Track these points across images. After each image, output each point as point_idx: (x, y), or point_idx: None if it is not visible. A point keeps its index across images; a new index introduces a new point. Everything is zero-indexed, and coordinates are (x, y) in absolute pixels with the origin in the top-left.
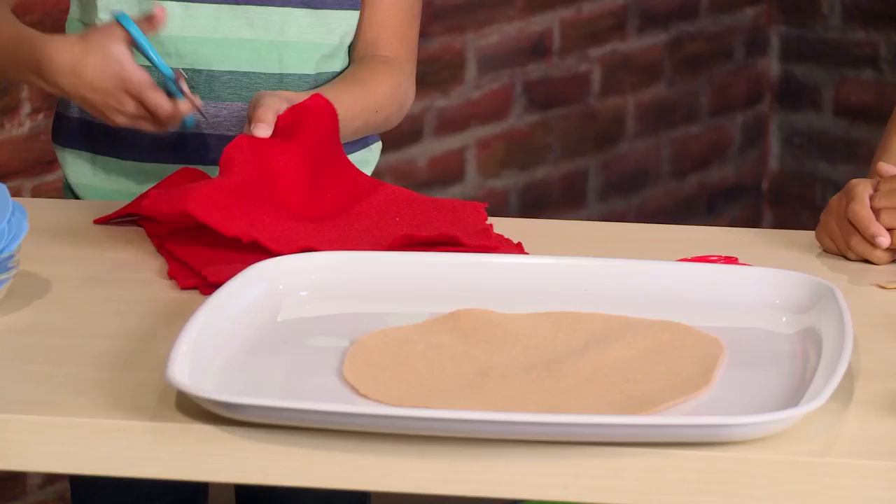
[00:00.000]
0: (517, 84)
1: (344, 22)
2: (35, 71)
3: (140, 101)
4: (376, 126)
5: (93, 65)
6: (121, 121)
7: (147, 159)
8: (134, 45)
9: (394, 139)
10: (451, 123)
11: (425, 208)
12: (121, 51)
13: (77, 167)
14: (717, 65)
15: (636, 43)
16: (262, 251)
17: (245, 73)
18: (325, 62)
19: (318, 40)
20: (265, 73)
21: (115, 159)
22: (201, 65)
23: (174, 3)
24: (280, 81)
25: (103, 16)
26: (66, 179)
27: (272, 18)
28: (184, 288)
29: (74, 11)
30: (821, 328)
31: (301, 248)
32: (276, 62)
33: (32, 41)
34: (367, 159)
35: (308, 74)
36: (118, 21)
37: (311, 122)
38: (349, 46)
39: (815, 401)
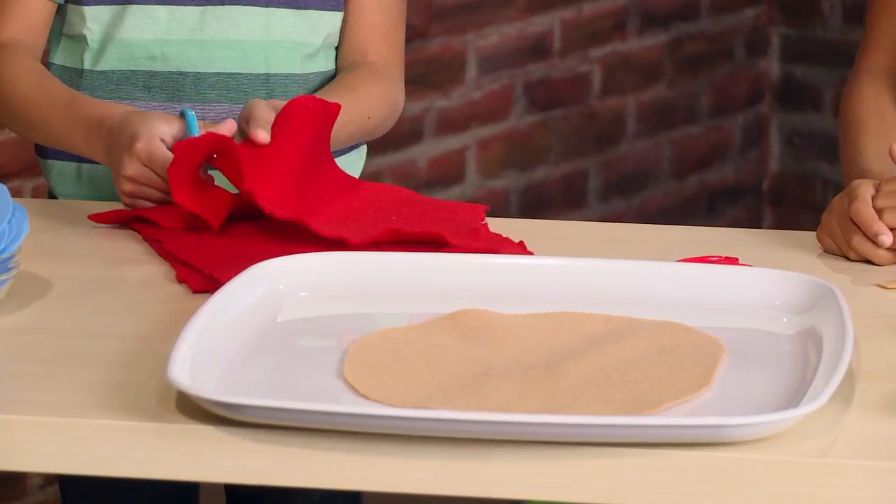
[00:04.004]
0: (517, 84)
1: (327, 23)
2: (85, 129)
3: (149, 160)
4: (368, 132)
5: (130, 123)
6: (126, 188)
7: None
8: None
9: (394, 140)
10: (451, 124)
11: (424, 207)
12: (158, 127)
13: (62, 177)
14: (718, 65)
15: (636, 43)
16: (267, 251)
17: (231, 75)
18: (310, 62)
19: (301, 40)
20: (252, 74)
21: (101, 168)
22: (188, 67)
23: (159, 6)
24: (267, 81)
25: (92, 26)
26: (50, 190)
27: (256, 19)
28: (196, 291)
29: (57, 23)
30: (821, 329)
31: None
32: (262, 62)
33: (94, 104)
34: (352, 162)
35: (294, 74)
36: (182, 114)
37: (308, 122)
38: (336, 49)
39: (816, 401)
